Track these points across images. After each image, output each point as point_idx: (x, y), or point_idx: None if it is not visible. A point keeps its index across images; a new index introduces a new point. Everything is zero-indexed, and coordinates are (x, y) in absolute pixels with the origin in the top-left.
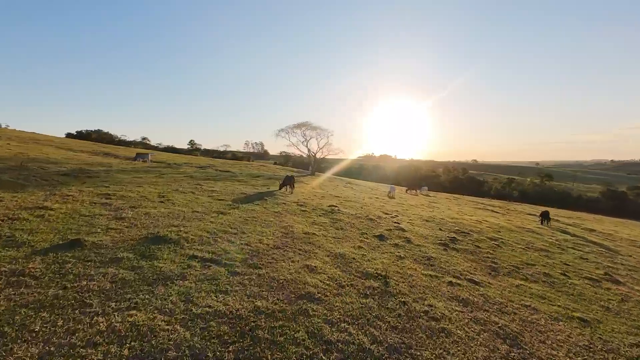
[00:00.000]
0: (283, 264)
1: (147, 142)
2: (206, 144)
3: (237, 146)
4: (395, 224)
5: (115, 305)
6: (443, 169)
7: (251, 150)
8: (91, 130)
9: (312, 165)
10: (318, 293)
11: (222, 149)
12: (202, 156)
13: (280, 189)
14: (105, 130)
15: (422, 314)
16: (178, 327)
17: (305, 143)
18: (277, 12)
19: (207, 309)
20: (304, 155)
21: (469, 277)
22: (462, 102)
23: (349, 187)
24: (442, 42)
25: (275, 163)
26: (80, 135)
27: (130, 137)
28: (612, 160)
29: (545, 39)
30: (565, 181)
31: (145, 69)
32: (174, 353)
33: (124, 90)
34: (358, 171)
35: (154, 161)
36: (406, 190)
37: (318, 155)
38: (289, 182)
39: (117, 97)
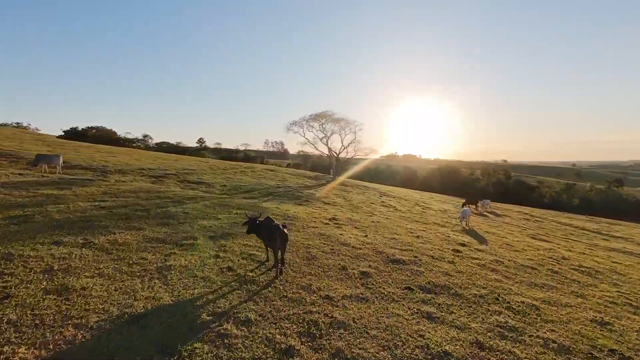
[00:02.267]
0: None
1: (149, 139)
2: (227, 143)
3: (259, 145)
4: None
5: None
6: (481, 172)
7: (271, 149)
8: (89, 127)
9: (334, 168)
10: None
11: (242, 148)
12: (209, 156)
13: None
14: (108, 127)
15: None
16: None
17: (325, 140)
18: (300, 8)
19: None
20: (324, 155)
21: None
22: (488, 100)
23: (390, 204)
24: (467, 39)
25: (288, 165)
26: (75, 133)
27: (136, 135)
28: None
29: (578, 32)
30: (602, 182)
31: (170, 66)
32: None
33: (146, 88)
34: (385, 173)
35: (81, 167)
36: (463, 205)
37: (342, 155)
38: (269, 237)
39: (140, 95)
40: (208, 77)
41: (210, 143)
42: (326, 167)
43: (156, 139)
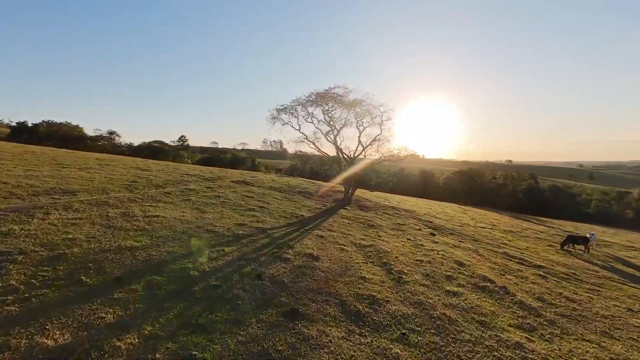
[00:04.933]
0: None
1: (116, 137)
2: (224, 142)
3: (258, 145)
4: None
5: None
6: (503, 175)
7: (269, 148)
8: (42, 122)
9: (346, 177)
10: None
11: (239, 147)
12: (187, 157)
13: None
14: (72, 122)
15: None
16: None
17: (333, 135)
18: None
19: None
20: (326, 156)
21: None
22: (489, 100)
23: (477, 274)
24: (475, 38)
25: (278, 171)
26: (24, 130)
27: (107, 132)
28: None
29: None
30: (617, 185)
31: (166, 64)
32: None
33: (142, 90)
34: (398, 176)
35: None
36: (563, 246)
37: (362, 159)
38: None
39: (140, 95)
40: (209, 75)
41: (206, 142)
42: (331, 174)
43: (158, 138)
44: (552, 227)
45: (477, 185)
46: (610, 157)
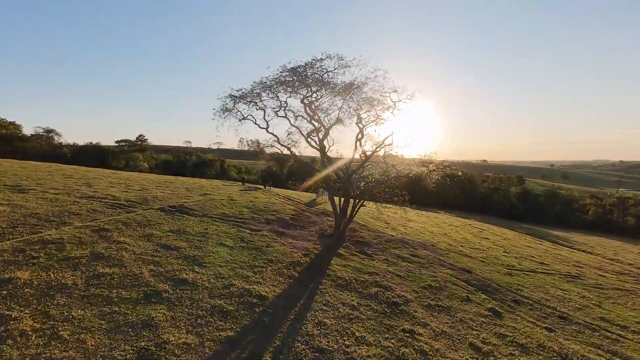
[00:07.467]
0: None
1: (55, 135)
2: (200, 141)
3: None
4: None
5: None
6: (492, 178)
7: (245, 148)
8: None
9: (329, 189)
10: None
11: (214, 147)
12: (141, 161)
13: None
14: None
15: None
16: None
17: (318, 136)
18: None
19: None
20: (303, 160)
21: None
22: (464, 101)
23: None
24: (450, 36)
25: (244, 180)
26: None
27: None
28: (620, 161)
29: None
30: (590, 185)
31: (148, 61)
32: None
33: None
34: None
35: None
36: None
37: (361, 169)
38: None
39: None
40: (189, 70)
41: (180, 142)
42: (316, 184)
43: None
44: (595, 255)
45: (469, 191)
46: (575, 157)
